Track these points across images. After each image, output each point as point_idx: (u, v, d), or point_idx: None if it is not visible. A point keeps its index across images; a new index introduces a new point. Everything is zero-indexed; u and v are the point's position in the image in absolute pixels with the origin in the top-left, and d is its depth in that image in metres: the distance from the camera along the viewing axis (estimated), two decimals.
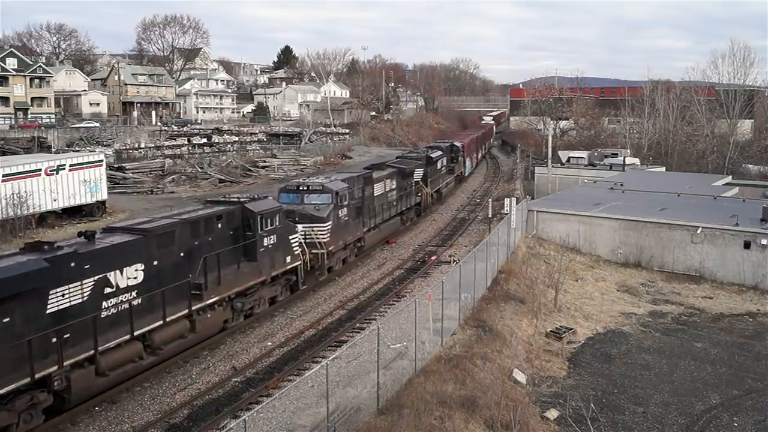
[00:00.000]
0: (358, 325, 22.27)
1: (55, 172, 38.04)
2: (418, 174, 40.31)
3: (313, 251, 25.18)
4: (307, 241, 24.92)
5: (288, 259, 23.35)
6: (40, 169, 37.26)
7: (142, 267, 16.82)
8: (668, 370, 20.66)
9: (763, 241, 29.49)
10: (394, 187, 34.65)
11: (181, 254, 18.25)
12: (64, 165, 38.80)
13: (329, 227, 25.96)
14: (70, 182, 38.97)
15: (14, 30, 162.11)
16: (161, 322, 17.35)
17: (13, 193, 34.92)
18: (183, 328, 18.41)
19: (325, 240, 25.72)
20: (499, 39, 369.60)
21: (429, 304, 18.64)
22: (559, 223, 35.31)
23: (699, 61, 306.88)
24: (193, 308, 18.51)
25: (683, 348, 22.63)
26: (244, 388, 17.49)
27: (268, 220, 21.72)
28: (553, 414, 16.77)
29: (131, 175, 57.62)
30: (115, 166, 59.20)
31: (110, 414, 15.99)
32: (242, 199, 22.02)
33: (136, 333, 16.55)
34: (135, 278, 16.58)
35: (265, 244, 21.63)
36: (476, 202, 50.20)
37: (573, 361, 21.00)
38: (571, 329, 23.14)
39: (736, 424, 17.25)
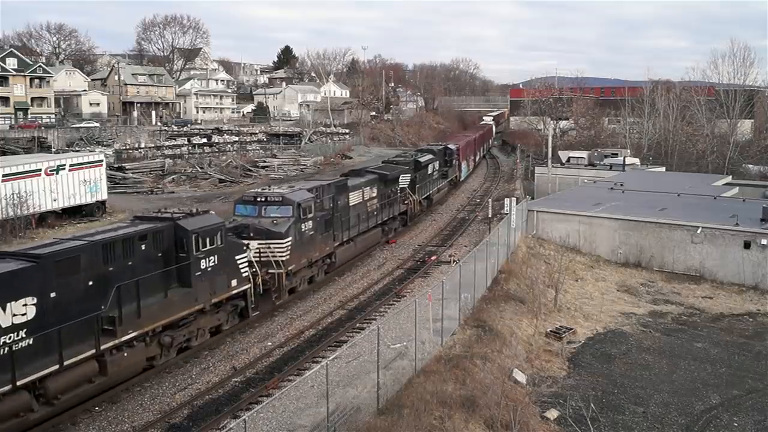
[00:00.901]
0: (358, 325, 22.26)
1: (55, 172, 38.05)
2: (405, 180, 37.16)
3: (270, 271, 22.40)
4: (262, 259, 22.23)
5: (234, 282, 20.36)
6: (40, 169, 37.27)
7: (34, 301, 14.16)
8: (668, 370, 20.66)
9: (763, 241, 29.50)
10: (374, 195, 31.81)
11: (90, 283, 15.61)
12: (64, 165, 38.80)
13: (289, 243, 23.05)
14: (70, 182, 38.98)
15: (14, 30, 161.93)
16: (57, 367, 14.53)
17: (13, 193, 34.93)
18: (89, 371, 15.53)
19: (284, 258, 22.80)
20: (500, 39, 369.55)
21: (429, 304, 18.65)
22: (559, 223, 35.32)
23: (699, 61, 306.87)
24: (104, 347, 15.66)
25: (683, 348, 22.63)
26: (244, 388, 17.49)
27: (206, 239, 18.85)
28: (553, 414, 16.77)
29: (131, 175, 57.64)
30: (115, 166, 59.22)
31: (110, 414, 15.99)
32: (176, 215, 19.05)
33: (21, 382, 13.79)
34: (23, 315, 13.90)
35: (203, 266, 18.75)
36: (476, 202, 50.20)
37: (573, 361, 21.01)
38: (571, 329, 23.15)
39: (736, 424, 17.25)
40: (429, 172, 42.90)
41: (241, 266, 20.75)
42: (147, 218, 19.24)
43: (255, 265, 21.60)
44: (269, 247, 22.47)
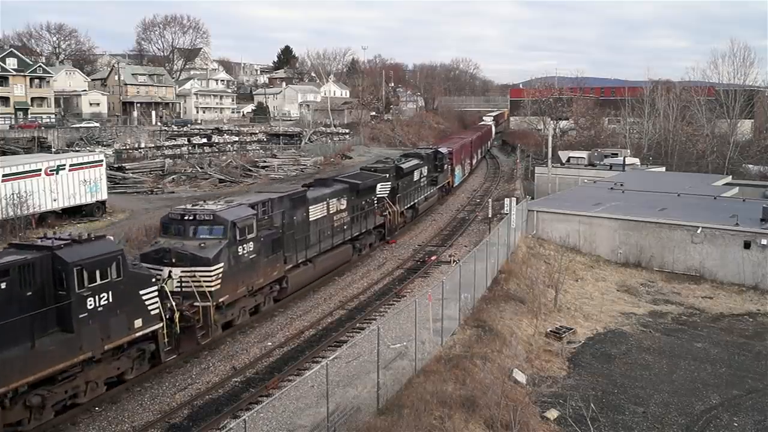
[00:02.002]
0: (358, 325, 22.26)
1: (55, 172, 38.03)
2: (383, 189, 33.51)
3: (194, 304, 18.73)
4: (184, 290, 18.75)
5: (138, 322, 16.68)
6: (40, 169, 37.25)
7: None
8: (668, 370, 20.66)
9: (763, 241, 29.50)
10: (343, 207, 28.41)
11: None
12: (64, 165, 38.79)
13: (219, 271, 19.39)
14: (70, 182, 38.97)
15: (14, 30, 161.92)
16: None
17: (13, 193, 34.91)
18: None
19: (213, 288, 19.16)
20: (500, 39, 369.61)
21: (429, 304, 18.65)
22: (559, 223, 35.32)
23: (699, 61, 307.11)
24: None
25: (683, 348, 22.63)
26: (244, 388, 17.50)
27: (95, 272, 15.34)
28: (553, 414, 16.77)
29: (131, 175, 57.62)
30: (115, 166, 59.20)
31: (110, 414, 15.99)
32: (57, 243, 15.30)
33: None
34: None
35: (90, 306, 15.24)
36: (476, 202, 50.21)
37: (573, 361, 21.01)
38: (571, 329, 23.15)
39: (736, 424, 17.25)
40: (415, 179, 39.28)
41: (148, 302, 17.00)
42: (22, 246, 15.63)
43: (171, 298, 17.96)
44: (194, 276, 18.88)
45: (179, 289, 18.69)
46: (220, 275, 19.47)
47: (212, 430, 15.13)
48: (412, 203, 38.93)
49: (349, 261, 29.76)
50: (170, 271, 18.61)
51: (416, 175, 39.67)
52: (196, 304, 18.76)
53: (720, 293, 29.17)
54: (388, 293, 26.17)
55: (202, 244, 19.51)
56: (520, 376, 18.43)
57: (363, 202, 30.58)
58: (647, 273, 31.69)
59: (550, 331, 22.82)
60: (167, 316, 17.68)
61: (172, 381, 17.88)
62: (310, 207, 25.54)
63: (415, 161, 40.71)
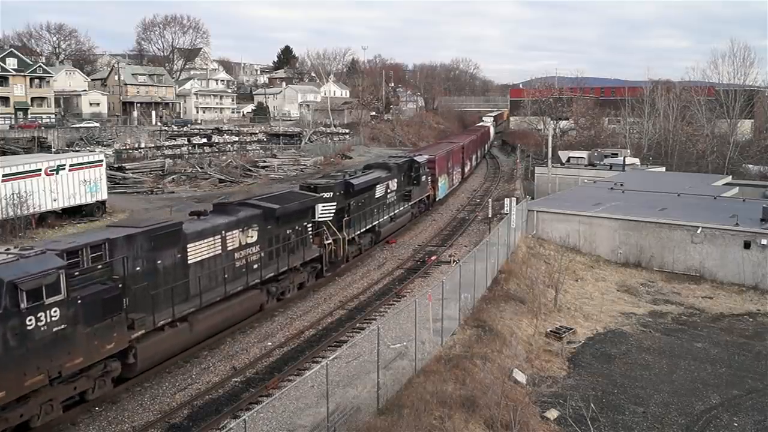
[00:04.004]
0: (358, 325, 22.26)
1: (55, 172, 38.04)
2: (326, 211, 27.24)
3: None
4: None
5: None
6: (40, 169, 37.26)
7: None
8: (668, 370, 20.67)
9: (763, 241, 29.51)
10: (252, 239, 21.76)
11: None
12: (64, 165, 38.79)
13: None
14: (70, 182, 38.97)
15: (14, 30, 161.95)
16: None
17: (13, 193, 34.92)
18: None
19: None
20: (500, 39, 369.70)
21: (429, 304, 18.65)
22: (559, 223, 35.33)
23: (699, 61, 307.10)
24: None
25: (683, 348, 22.64)
26: (244, 388, 17.50)
27: None
28: (553, 414, 16.78)
29: (131, 175, 57.64)
30: (115, 166, 59.21)
31: (110, 414, 15.99)
32: None
33: None
34: None
35: None
36: (476, 202, 50.22)
37: (573, 361, 21.01)
38: (571, 329, 23.16)
39: (736, 424, 17.25)
40: (377, 196, 32.34)
41: None
42: None
43: None
44: None
45: None
46: None
47: (212, 430, 15.13)
48: (369, 226, 31.67)
49: (261, 310, 22.73)
50: None
51: (379, 191, 32.59)
52: None
53: (720, 293, 29.17)
54: (388, 293, 26.17)
55: None
56: (520, 376, 18.44)
57: (288, 231, 23.92)
58: (647, 273, 31.69)
59: (550, 331, 22.82)
60: None
61: (172, 381, 17.89)
62: (188, 245, 18.97)
63: (376, 174, 33.18)
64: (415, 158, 40.37)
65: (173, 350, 18.64)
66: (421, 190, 40.70)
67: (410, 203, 38.64)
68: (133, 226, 18.21)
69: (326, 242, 26.97)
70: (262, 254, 22.24)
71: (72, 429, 15.30)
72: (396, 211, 35.68)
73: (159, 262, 17.92)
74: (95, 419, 15.72)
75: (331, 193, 27.80)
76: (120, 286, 16.30)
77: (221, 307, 20.25)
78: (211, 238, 20.01)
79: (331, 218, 27.43)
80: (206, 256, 19.71)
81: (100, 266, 16.12)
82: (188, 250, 18.99)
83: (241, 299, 21.28)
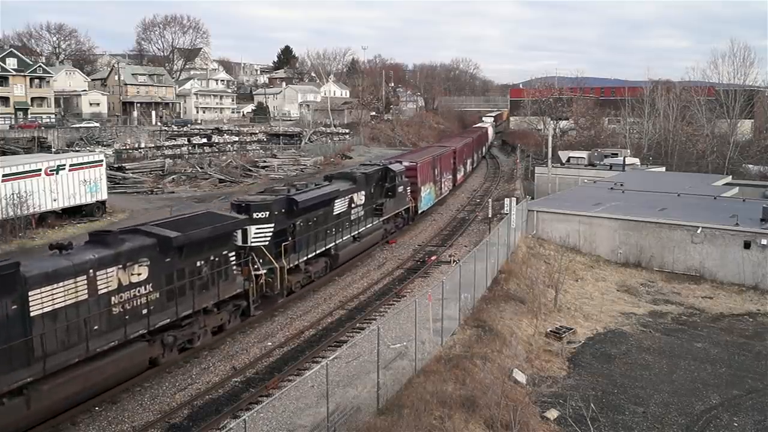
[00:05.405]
0: (358, 325, 22.27)
1: (55, 172, 38.04)
2: (260, 235, 22.68)
3: None
4: None
5: None
6: (40, 169, 37.26)
7: None
8: (668, 370, 20.67)
9: (763, 241, 29.51)
10: (140, 278, 17.16)
11: None
12: (64, 165, 38.79)
13: None
14: (70, 182, 38.97)
15: (14, 30, 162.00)
16: None
17: (13, 193, 34.92)
18: None
19: None
20: (500, 39, 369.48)
21: (429, 304, 18.66)
22: (559, 223, 35.33)
23: (699, 61, 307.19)
24: None
25: (683, 348, 22.64)
26: (244, 388, 17.51)
27: None
28: (553, 414, 16.78)
29: (131, 175, 57.63)
30: (115, 166, 59.20)
31: (110, 414, 16.00)
32: None
33: None
34: None
35: None
36: (476, 202, 50.23)
37: (573, 361, 21.01)
38: (571, 329, 23.16)
39: (736, 424, 17.25)
40: (335, 213, 27.85)
41: None
42: None
43: None
44: None
45: None
46: None
47: (212, 430, 15.14)
48: (321, 250, 26.74)
49: (155, 365, 18.24)
50: None
51: (338, 206, 28.14)
52: None
53: (720, 293, 29.17)
54: (388, 293, 26.17)
55: None
56: (520, 376, 18.44)
57: (198, 264, 19.23)
58: (647, 273, 31.69)
59: (550, 331, 22.82)
60: None
61: (172, 381, 17.89)
62: (31, 292, 14.57)
63: (334, 187, 28.47)
64: (389, 166, 35.14)
65: None
66: (398, 202, 35.64)
67: (382, 218, 33.53)
68: None
69: (255, 273, 22.11)
70: (156, 296, 17.61)
71: (72, 429, 15.31)
72: (362, 229, 30.77)
73: None
74: (95, 419, 15.73)
75: (267, 213, 23.09)
76: None
77: (82, 371, 15.39)
78: (72, 280, 15.40)
79: (267, 243, 22.84)
80: (62, 304, 15.15)
81: None
82: (30, 298, 14.52)
83: (116, 357, 16.38)
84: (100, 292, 16.09)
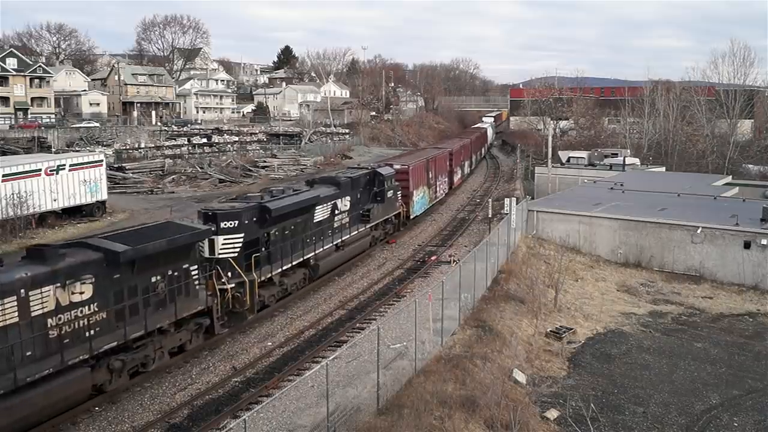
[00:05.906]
0: (358, 325, 22.28)
1: (55, 172, 38.03)
2: (228, 246, 21.22)
3: None
4: None
5: None
6: (40, 169, 37.25)
7: None
8: (668, 370, 20.67)
9: (763, 241, 29.51)
10: (82, 298, 15.60)
11: None
12: (64, 165, 38.78)
13: None
14: (70, 182, 38.96)
15: (14, 30, 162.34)
16: None
17: (13, 193, 34.90)
18: None
19: None
20: (501, 39, 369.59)
21: (429, 304, 18.66)
22: (559, 223, 35.32)
23: (699, 61, 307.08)
24: None
25: (683, 348, 22.64)
26: (244, 388, 17.51)
27: None
28: (553, 414, 16.78)
29: (131, 175, 57.61)
30: (115, 166, 59.18)
31: (110, 414, 16.00)
32: None
33: None
34: None
35: None
36: (476, 202, 50.22)
37: (573, 361, 21.01)
38: (571, 329, 23.15)
39: (736, 424, 17.25)
40: (316, 220, 26.50)
41: None
42: None
43: None
44: None
45: None
46: None
47: (212, 430, 15.14)
48: (299, 260, 24.99)
49: (101, 392, 16.49)
50: None
51: (319, 214, 26.77)
52: None
53: (720, 293, 29.17)
54: (388, 293, 26.18)
55: None
56: (520, 376, 18.44)
57: (153, 280, 17.63)
58: (647, 273, 31.69)
59: (550, 331, 22.82)
60: None
61: (172, 381, 17.90)
62: None
63: (314, 193, 27.12)
64: (378, 170, 33.53)
65: None
66: (387, 208, 33.91)
67: (370, 225, 31.87)
68: None
69: (220, 288, 20.40)
70: (102, 316, 16.01)
71: (72, 429, 15.31)
72: (347, 237, 29.13)
73: None
74: (95, 419, 15.73)
75: (236, 222, 21.43)
76: None
77: (9, 404, 13.72)
78: None
79: (236, 254, 21.28)
80: None
81: None
82: None
83: (50, 387, 14.53)
84: (33, 314, 14.45)
